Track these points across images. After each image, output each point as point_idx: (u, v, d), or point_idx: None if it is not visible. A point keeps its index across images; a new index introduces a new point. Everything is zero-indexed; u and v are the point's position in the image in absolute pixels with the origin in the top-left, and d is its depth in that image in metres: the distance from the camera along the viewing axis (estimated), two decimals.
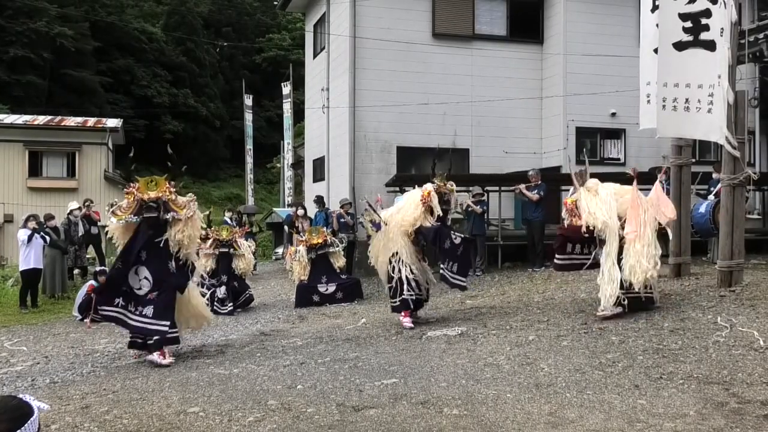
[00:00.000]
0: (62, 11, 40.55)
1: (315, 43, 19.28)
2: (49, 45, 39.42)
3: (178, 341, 7.65)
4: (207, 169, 46.70)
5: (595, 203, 7.79)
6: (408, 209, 8.55)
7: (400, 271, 8.43)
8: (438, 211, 8.48)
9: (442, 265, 8.66)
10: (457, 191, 13.69)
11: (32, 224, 12.71)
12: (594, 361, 6.16)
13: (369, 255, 9.17)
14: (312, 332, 8.84)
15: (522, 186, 12.92)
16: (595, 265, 8.18)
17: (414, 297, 8.51)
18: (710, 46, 8.29)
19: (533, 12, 16.87)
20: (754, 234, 13.27)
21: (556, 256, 8.49)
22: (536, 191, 12.76)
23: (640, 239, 7.48)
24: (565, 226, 8.41)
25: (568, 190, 13.01)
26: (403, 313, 8.55)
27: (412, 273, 8.45)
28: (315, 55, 19.20)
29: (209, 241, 11.36)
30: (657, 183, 8.14)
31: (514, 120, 16.54)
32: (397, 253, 8.48)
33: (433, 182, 8.64)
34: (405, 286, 8.39)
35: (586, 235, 7.85)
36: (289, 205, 21.73)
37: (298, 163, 25.30)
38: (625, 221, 7.70)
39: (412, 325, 8.39)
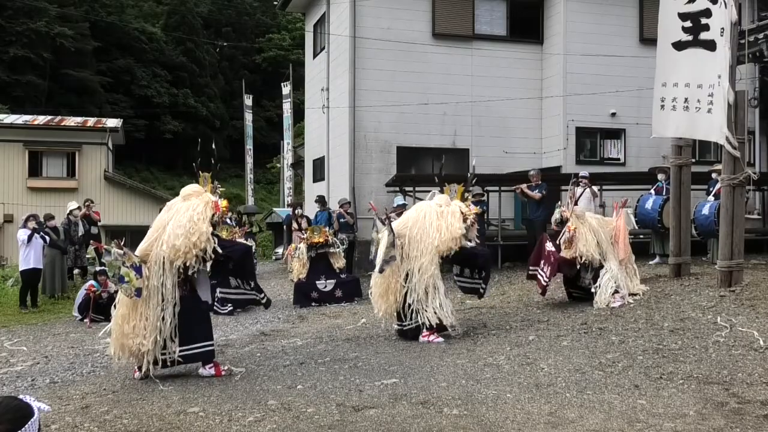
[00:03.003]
0: (62, 11, 40.56)
1: (315, 43, 19.28)
2: (49, 45, 39.43)
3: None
4: (207, 169, 46.62)
5: (587, 234, 8.79)
6: (449, 227, 7.62)
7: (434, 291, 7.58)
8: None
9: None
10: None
11: (32, 224, 12.70)
12: (594, 361, 6.16)
13: (372, 294, 7.90)
14: (312, 332, 8.83)
15: (523, 186, 12.92)
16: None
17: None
18: (710, 45, 8.29)
19: (533, 12, 16.87)
20: (754, 234, 13.27)
21: (541, 270, 8.88)
22: (537, 191, 12.77)
23: (628, 265, 8.92)
24: (558, 256, 8.81)
25: (568, 190, 13.08)
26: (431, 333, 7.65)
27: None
28: (315, 55, 19.20)
29: None
30: (622, 213, 9.31)
31: (514, 120, 16.54)
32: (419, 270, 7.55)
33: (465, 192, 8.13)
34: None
35: (578, 265, 8.83)
36: (288, 205, 21.72)
37: (298, 163, 25.29)
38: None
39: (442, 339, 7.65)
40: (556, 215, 9.17)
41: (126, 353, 6.43)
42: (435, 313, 7.49)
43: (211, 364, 6.54)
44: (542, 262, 8.82)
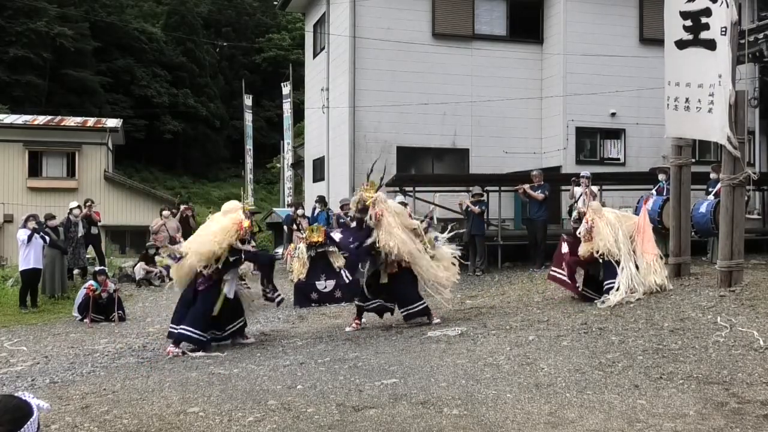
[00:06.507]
0: (62, 11, 40.57)
1: (315, 43, 19.28)
2: (49, 45, 39.44)
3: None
4: (207, 169, 46.74)
5: (603, 229, 8.56)
6: None
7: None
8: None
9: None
10: (456, 191, 13.60)
11: (32, 224, 12.69)
12: (594, 361, 6.16)
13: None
14: (312, 332, 8.84)
15: (526, 186, 12.91)
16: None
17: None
18: (710, 45, 8.28)
19: (533, 12, 16.87)
20: (754, 234, 13.26)
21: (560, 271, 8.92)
22: (540, 191, 12.75)
23: (649, 261, 8.57)
24: (570, 258, 8.82)
25: (568, 190, 13.07)
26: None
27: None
28: (315, 55, 19.20)
29: None
30: (644, 210, 9.15)
31: (514, 120, 16.55)
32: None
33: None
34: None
35: (599, 259, 8.59)
36: (288, 205, 21.72)
37: (298, 163, 25.30)
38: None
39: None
40: (574, 215, 9.21)
41: None
42: None
43: (175, 349, 7.79)
44: (563, 263, 8.96)
